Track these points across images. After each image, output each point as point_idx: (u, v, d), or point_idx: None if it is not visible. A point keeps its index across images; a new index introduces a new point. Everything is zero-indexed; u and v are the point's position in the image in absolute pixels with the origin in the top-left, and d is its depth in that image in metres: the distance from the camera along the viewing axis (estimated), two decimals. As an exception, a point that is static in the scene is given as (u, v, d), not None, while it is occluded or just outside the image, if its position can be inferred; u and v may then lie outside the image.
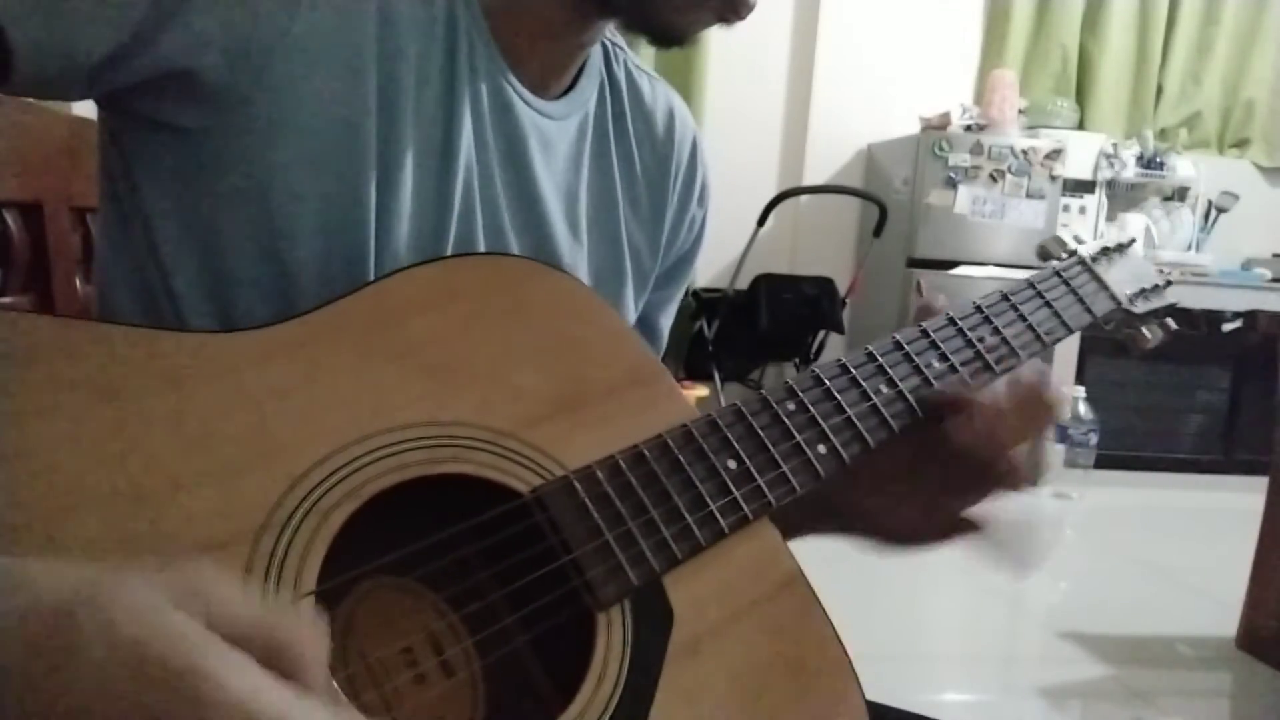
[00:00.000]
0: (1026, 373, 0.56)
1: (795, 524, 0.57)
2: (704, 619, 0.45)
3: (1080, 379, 3.54)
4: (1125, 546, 2.94)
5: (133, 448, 0.37)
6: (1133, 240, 0.69)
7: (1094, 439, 3.39)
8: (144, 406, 0.39)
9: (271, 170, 0.50)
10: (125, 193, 0.53)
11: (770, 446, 0.51)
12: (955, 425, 0.53)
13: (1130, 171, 3.91)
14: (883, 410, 0.54)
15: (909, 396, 0.55)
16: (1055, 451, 3.44)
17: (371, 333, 0.46)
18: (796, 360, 3.45)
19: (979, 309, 0.60)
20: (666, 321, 0.74)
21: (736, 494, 0.49)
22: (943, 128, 3.52)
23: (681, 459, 0.48)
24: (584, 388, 0.49)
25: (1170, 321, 0.69)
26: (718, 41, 3.51)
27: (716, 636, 0.45)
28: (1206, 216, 4.05)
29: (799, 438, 0.52)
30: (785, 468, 0.50)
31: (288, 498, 0.39)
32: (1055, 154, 3.49)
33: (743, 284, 3.32)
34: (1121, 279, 0.66)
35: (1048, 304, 0.62)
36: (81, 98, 0.49)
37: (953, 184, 3.42)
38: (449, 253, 0.55)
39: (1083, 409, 3.39)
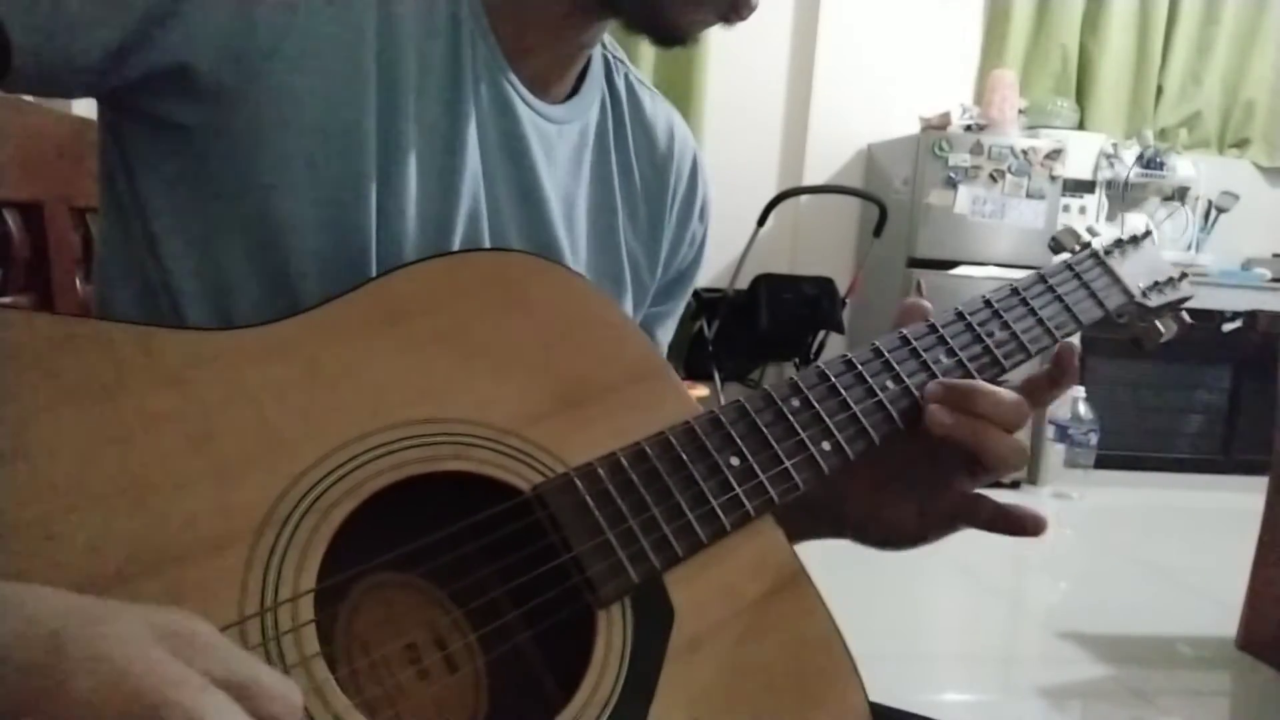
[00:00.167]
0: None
1: (797, 528, 0.57)
2: (705, 617, 0.45)
3: (1080, 379, 3.54)
4: (1125, 546, 2.94)
5: (132, 446, 0.37)
6: (1148, 232, 0.68)
7: (1094, 439, 3.40)
8: (144, 405, 0.39)
9: (271, 169, 0.49)
10: (125, 191, 0.53)
11: (773, 443, 0.50)
12: (931, 419, 0.53)
13: (1130, 171, 3.91)
14: (888, 406, 0.54)
15: (915, 393, 0.55)
16: (1055, 451, 3.44)
17: (373, 330, 0.45)
18: (796, 360, 3.45)
19: (988, 303, 0.59)
20: (665, 336, 0.74)
21: (739, 491, 0.48)
22: (943, 128, 3.52)
23: (683, 456, 0.48)
24: (586, 384, 0.49)
25: (1184, 314, 0.68)
26: (718, 41, 3.51)
27: (718, 635, 0.45)
28: (1206, 216, 4.05)
29: (803, 434, 0.51)
30: (788, 464, 0.50)
31: (288, 495, 0.39)
32: (1055, 154, 3.49)
33: (743, 284, 3.32)
34: (1135, 272, 0.65)
35: (1059, 298, 0.61)
36: (81, 95, 0.49)
37: (953, 184, 3.42)
38: (455, 248, 0.55)
39: (1083, 409, 3.40)
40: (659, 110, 0.69)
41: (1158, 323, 0.66)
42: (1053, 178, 3.49)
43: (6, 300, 0.78)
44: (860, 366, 0.55)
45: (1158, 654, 2.11)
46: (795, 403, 0.52)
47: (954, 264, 3.46)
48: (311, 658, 0.36)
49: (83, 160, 0.87)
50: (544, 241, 0.60)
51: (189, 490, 0.38)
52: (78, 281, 0.88)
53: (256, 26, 0.48)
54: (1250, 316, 3.64)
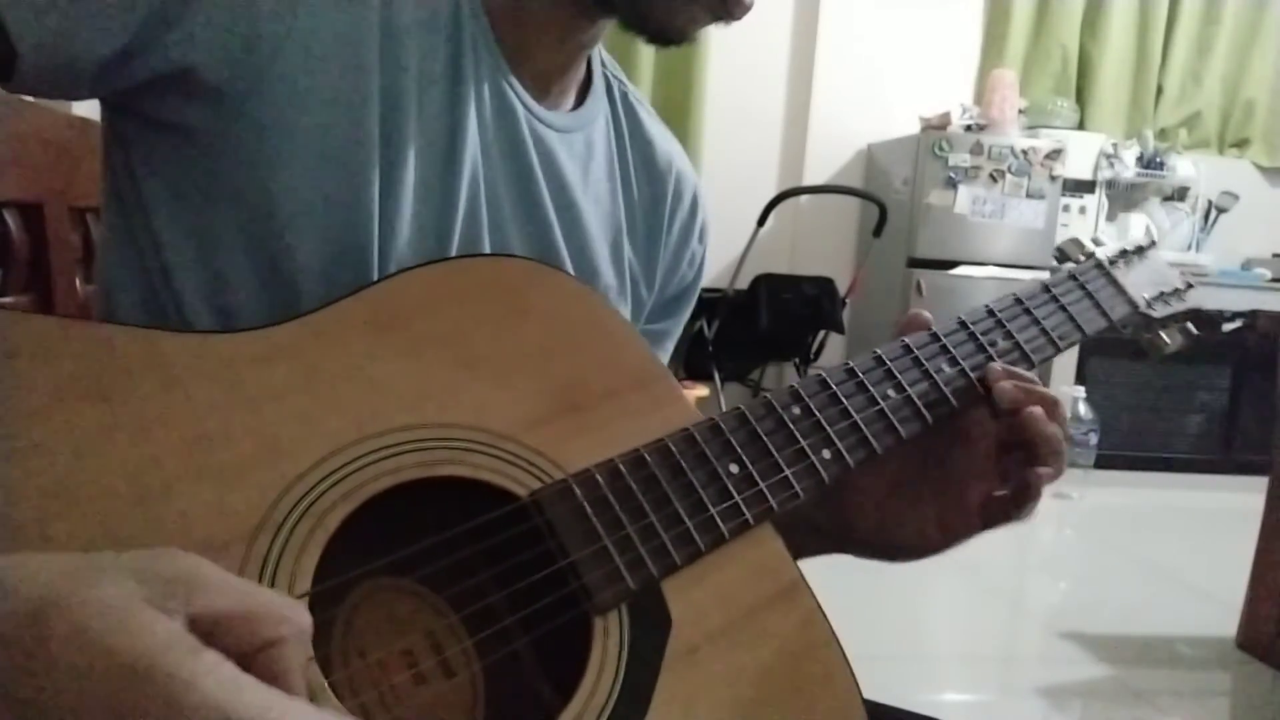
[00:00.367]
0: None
1: (804, 547, 0.57)
2: (703, 625, 0.45)
3: (1080, 379, 3.55)
4: (1125, 546, 2.94)
5: (129, 448, 0.37)
6: (1153, 242, 0.68)
7: (1094, 439, 3.39)
8: (141, 407, 0.38)
9: (273, 170, 0.50)
10: (128, 192, 0.53)
11: (773, 451, 0.50)
12: (1007, 386, 0.53)
13: (1130, 171, 3.91)
14: (890, 415, 0.54)
15: (917, 401, 0.55)
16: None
17: (371, 334, 0.45)
18: (796, 360, 3.45)
19: (991, 313, 0.59)
20: (664, 355, 0.74)
21: (738, 499, 0.48)
22: (943, 128, 3.52)
23: (682, 463, 0.48)
24: (585, 390, 0.49)
25: (1191, 326, 0.67)
26: (718, 41, 3.51)
27: (716, 643, 0.45)
28: (1206, 216, 4.05)
29: (803, 442, 0.51)
30: (788, 472, 0.50)
31: (284, 499, 0.39)
32: (1055, 154, 3.49)
33: (743, 284, 3.32)
34: (1140, 282, 0.65)
35: (1062, 308, 0.61)
36: (86, 97, 0.49)
37: (953, 184, 3.42)
38: (454, 253, 0.55)
39: (1083, 409, 3.39)
40: (656, 130, 0.69)
41: (1163, 334, 0.66)
42: (1053, 178, 3.49)
43: (7, 300, 0.78)
44: (862, 375, 0.54)
45: (1158, 654, 2.11)
46: (796, 410, 0.52)
47: (954, 264, 3.46)
48: (305, 662, 0.36)
49: (83, 160, 0.87)
50: (545, 244, 0.60)
51: (184, 493, 0.37)
52: (78, 281, 0.88)
53: (260, 29, 0.48)
54: (1250, 316, 3.64)
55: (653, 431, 0.49)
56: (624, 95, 0.67)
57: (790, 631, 0.47)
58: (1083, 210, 3.89)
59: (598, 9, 0.56)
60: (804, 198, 3.67)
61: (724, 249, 3.33)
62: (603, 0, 0.55)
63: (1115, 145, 3.91)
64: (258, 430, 0.40)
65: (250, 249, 0.51)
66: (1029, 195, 3.48)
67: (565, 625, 0.43)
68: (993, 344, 0.58)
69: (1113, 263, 0.65)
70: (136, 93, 0.48)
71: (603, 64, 0.66)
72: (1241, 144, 4.19)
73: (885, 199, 3.29)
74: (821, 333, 3.40)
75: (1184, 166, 3.98)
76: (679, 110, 3.58)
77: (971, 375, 0.56)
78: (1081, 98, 4.02)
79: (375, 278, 0.51)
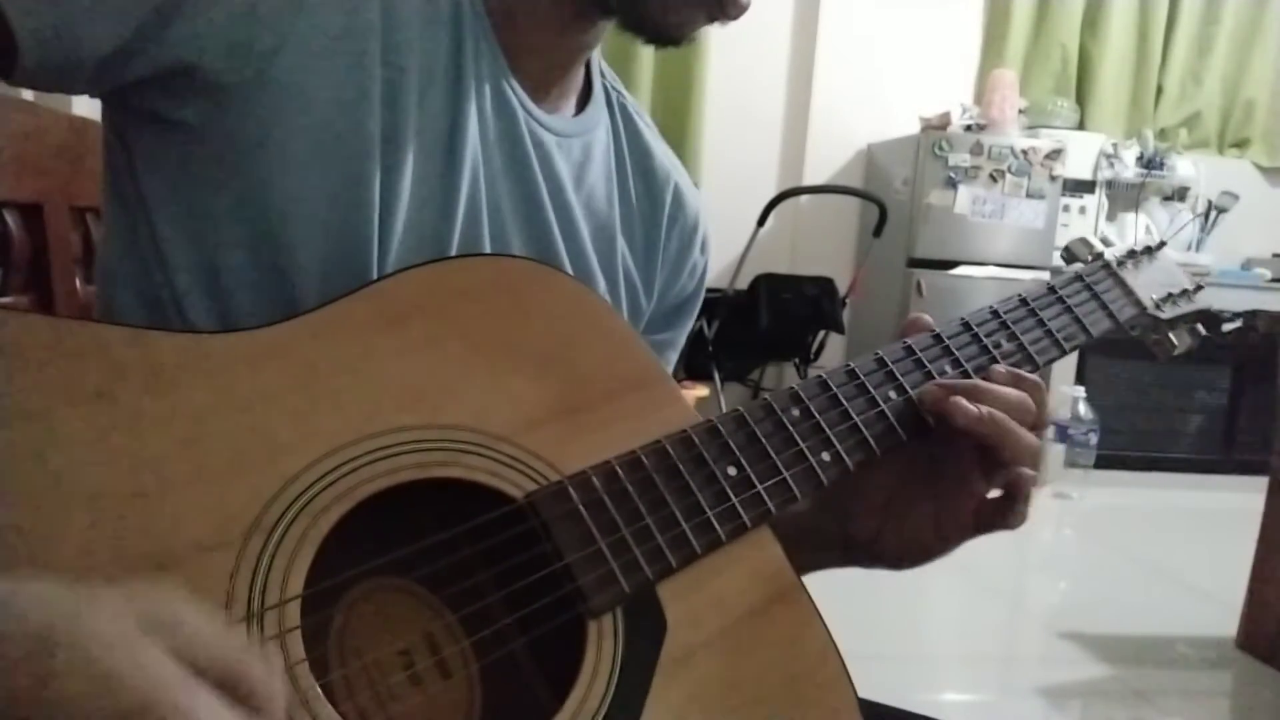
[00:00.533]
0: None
1: (806, 560, 0.56)
2: (699, 629, 0.45)
3: (1080, 379, 3.54)
4: (1125, 546, 2.94)
5: (124, 448, 0.37)
6: (1163, 243, 0.67)
7: (1094, 439, 3.39)
8: (137, 407, 0.38)
9: (273, 169, 0.50)
10: (129, 190, 0.53)
11: (772, 453, 0.50)
12: (952, 410, 0.51)
13: (1130, 171, 3.91)
14: (890, 417, 0.53)
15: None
16: (1055, 452, 3.44)
17: (368, 334, 0.45)
18: (796, 360, 3.45)
19: (995, 314, 0.58)
20: (668, 367, 0.73)
21: (735, 501, 0.48)
22: (943, 128, 3.52)
23: (679, 465, 0.48)
24: (584, 392, 0.49)
25: (1200, 328, 0.67)
26: (718, 42, 3.51)
27: (711, 647, 0.44)
28: (1206, 216, 4.04)
29: (802, 445, 0.51)
30: (786, 475, 0.50)
31: (278, 500, 0.39)
32: (1055, 154, 3.49)
33: (743, 284, 3.32)
34: (1148, 283, 0.64)
35: (1068, 309, 0.60)
36: (86, 93, 0.49)
37: (953, 184, 3.42)
38: (454, 253, 0.55)
39: (1083, 409, 3.39)
40: (655, 141, 0.69)
41: (1171, 335, 0.66)
42: (1053, 178, 3.49)
43: (7, 300, 0.78)
44: (863, 376, 0.54)
45: (1158, 654, 2.11)
46: (795, 412, 0.52)
47: (954, 264, 3.46)
48: (296, 664, 0.36)
49: (83, 160, 0.87)
50: (544, 245, 0.60)
51: (178, 493, 0.37)
52: (78, 281, 0.88)
53: (261, 26, 0.48)
54: (1250, 316, 3.64)
55: (651, 433, 0.48)
56: (623, 107, 0.67)
57: (787, 636, 0.46)
58: (1083, 210, 3.89)
59: (596, 9, 0.56)
60: (804, 198, 3.67)
61: (724, 249, 3.33)
62: (601, 0, 0.55)
63: (1115, 145, 3.91)
64: (253, 431, 0.40)
65: (250, 247, 0.51)
66: (1029, 195, 3.48)
67: (561, 627, 0.43)
68: (996, 345, 0.57)
69: (1121, 263, 0.64)
70: (137, 89, 0.48)
71: (602, 74, 0.66)
72: (1241, 144, 4.19)
73: (885, 199, 3.29)
74: (821, 333, 3.39)
75: (1184, 166, 3.97)
76: (679, 110, 3.58)
77: (975, 378, 0.55)
78: (1081, 98, 4.02)
79: (374, 276, 0.51)
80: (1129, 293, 0.64)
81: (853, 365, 0.54)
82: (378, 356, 0.45)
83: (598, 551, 0.44)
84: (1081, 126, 3.97)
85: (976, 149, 3.43)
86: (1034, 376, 0.55)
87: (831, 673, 0.46)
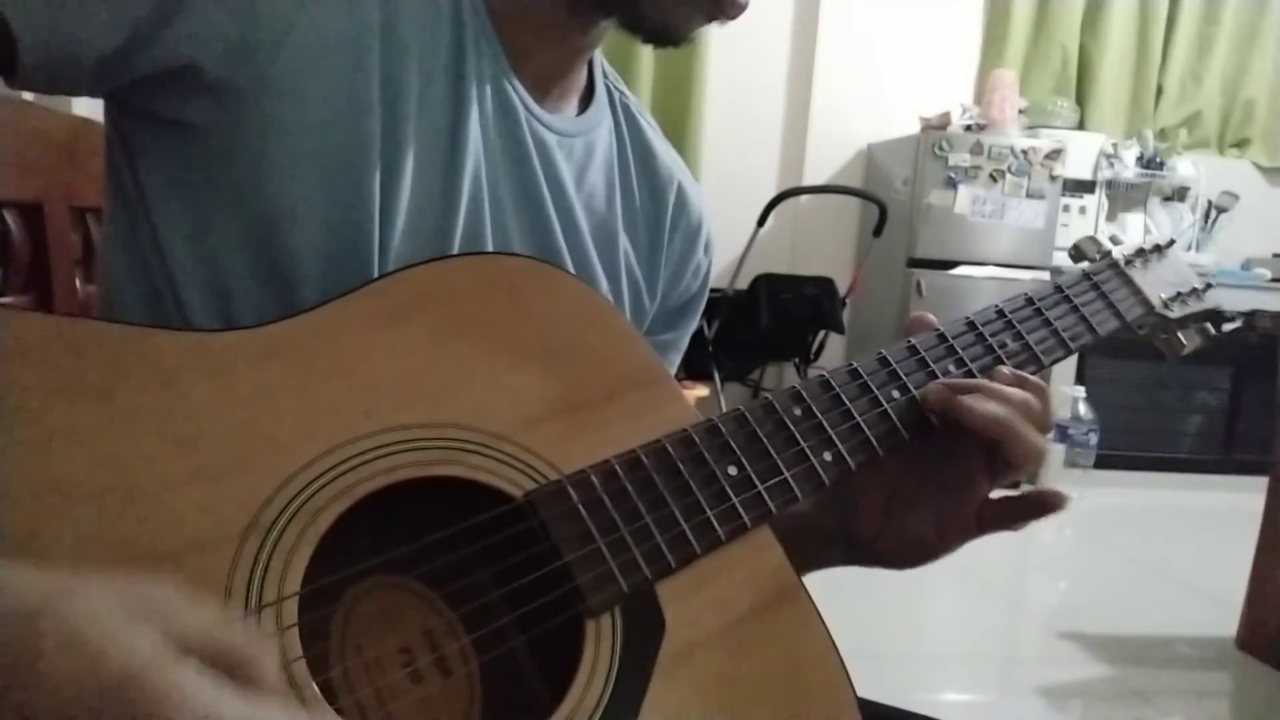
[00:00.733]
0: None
1: (809, 558, 0.56)
2: (698, 629, 0.45)
3: (1080, 379, 3.54)
4: (1125, 546, 2.94)
5: (124, 446, 0.37)
6: (1172, 241, 0.66)
7: (1094, 439, 3.40)
8: (136, 405, 0.38)
9: (273, 168, 0.50)
10: (131, 189, 0.53)
11: (773, 453, 0.50)
12: (960, 409, 0.51)
13: (1130, 171, 3.91)
14: (894, 417, 0.53)
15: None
16: (1055, 451, 3.44)
17: (369, 333, 0.45)
18: (796, 360, 3.45)
19: (1001, 313, 0.58)
20: (671, 368, 0.73)
21: (735, 501, 0.48)
22: (943, 128, 3.52)
23: (679, 465, 0.48)
24: (584, 390, 0.49)
25: (1209, 326, 0.66)
26: (718, 41, 3.51)
27: (710, 646, 0.44)
28: (1206, 216, 4.04)
29: (803, 444, 0.51)
30: (788, 475, 0.49)
31: (276, 498, 0.39)
32: (1055, 154, 3.49)
33: (743, 284, 3.32)
34: (1156, 282, 0.64)
35: (1075, 308, 0.60)
36: (88, 94, 0.49)
37: (953, 184, 3.42)
38: (455, 250, 0.55)
39: (1083, 409, 3.39)
40: (657, 141, 0.69)
41: (1180, 334, 0.65)
42: (1053, 178, 3.49)
43: (7, 300, 0.78)
44: (866, 376, 0.54)
45: (1158, 654, 2.11)
46: (797, 412, 0.51)
47: (954, 264, 3.46)
48: (293, 661, 0.36)
49: (83, 160, 0.87)
50: (546, 245, 0.60)
51: (177, 491, 0.37)
52: (78, 281, 0.88)
53: (260, 26, 0.48)
54: (1250, 316, 3.64)
55: (651, 432, 0.48)
56: (625, 107, 0.67)
57: (786, 636, 0.46)
58: (1083, 210, 3.89)
59: (595, 9, 0.56)
60: (804, 198, 3.67)
61: (724, 249, 3.33)
62: (599, 1, 0.55)
63: (1115, 145, 3.91)
64: (252, 429, 0.40)
65: (250, 246, 0.51)
66: (1029, 195, 3.48)
67: (560, 626, 0.43)
68: (1002, 345, 0.57)
69: (1129, 262, 0.64)
70: (138, 89, 0.48)
71: (605, 74, 0.66)
72: (1241, 144, 4.19)
73: (885, 199, 3.29)
74: (821, 333, 3.39)
75: (1184, 166, 3.98)
76: (679, 111, 3.58)
77: (980, 378, 0.55)
78: (1081, 98, 4.02)
79: (375, 275, 0.51)
80: (1137, 292, 0.63)
81: (855, 365, 0.54)
82: (378, 355, 0.45)
83: (596, 551, 0.44)
84: (1081, 126, 3.97)
85: (976, 149, 3.43)
86: (1038, 379, 0.54)
87: (831, 672, 0.46)
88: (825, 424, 0.52)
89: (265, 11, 0.48)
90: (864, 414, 0.53)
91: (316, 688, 0.36)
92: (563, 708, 0.40)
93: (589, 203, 0.63)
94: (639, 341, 0.54)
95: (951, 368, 0.55)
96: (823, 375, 0.53)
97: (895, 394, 0.54)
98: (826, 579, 0.58)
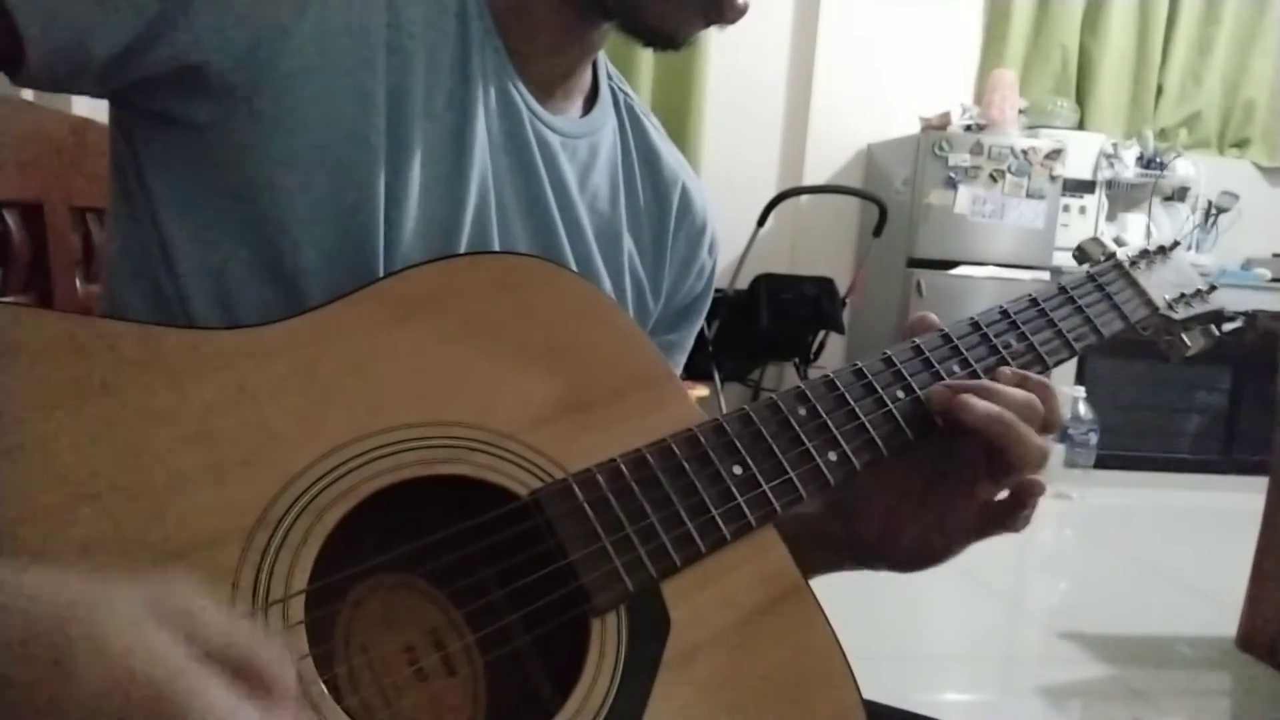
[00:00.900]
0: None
1: (816, 561, 0.56)
2: (703, 627, 0.45)
3: (1080, 379, 3.54)
4: (1125, 546, 2.94)
5: (130, 444, 0.37)
6: (1176, 243, 0.66)
7: (1094, 439, 3.39)
8: (143, 403, 0.39)
9: (277, 167, 0.50)
10: (134, 188, 0.53)
11: (778, 453, 0.50)
12: (960, 408, 0.51)
13: (1130, 171, 3.91)
14: (898, 417, 0.53)
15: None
16: (1055, 451, 3.44)
17: (375, 331, 0.45)
18: (796, 360, 3.45)
19: (1005, 314, 0.58)
20: (676, 369, 0.73)
21: (740, 500, 0.48)
22: (943, 128, 3.52)
23: (684, 464, 0.48)
24: (589, 390, 0.49)
25: (1214, 328, 0.66)
26: (718, 42, 3.51)
27: (715, 645, 0.44)
28: (1206, 216, 4.04)
29: (808, 444, 0.51)
30: (792, 475, 0.50)
31: (283, 496, 0.39)
32: (1055, 154, 3.49)
33: (743, 284, 3.32)
34: (1160, 283, 0.64)
35: (1079, 309, 0.60)
36: (92, 93, 0.49)
37: (953, 184, 3.42)
38: (462, 251, 0.55)
39: (1083, 409, 3.39)
40: (662, 142, 0.69)
41: (1184, 336, 0.65)
42: (1053, 178, 3.49)
43: (7, 300, 0.78)
44: (870, 376, 0.54)
45: (1158, 654, 2.11)
46: (802, 412, 0.51)
47: (954, 264, 3.46)
48: (301, 659, 0.36)
49: (83, 160, 0.87)
50: (549, 246, 0.60)
51: (184, 489, 0.38)
52: (78, 281, 0.88)
53: (266, 25, 0.48)
54: (1250, 316, 3.64)
55: (656, 432, 0.48)
56: (630, 108, 0.67)
57: (791, 635, 0.46)
58: (1083, 210, 3.89)
59: (595, 12, 0.56)
60: (804, 198, 3.67)
61: (724, 249, 3.29)
62: (599, 3, 0.55)
63: (1115, 145, 3.91)
64: (258, 427, 0.40)
65: (254, 246, 0.51)
66: (1029, 195, 3.48)
67: (566, 625, 0.43)
68: (1006, 346, 0.57)
69: (1133, 263, 0.64)
70: (143, 88, 0.48)
71: (609, 76, 0.66)
72: (1241, 144, 4.19)
73: (885, 199, 3.29)
74: (821, 333, 3.39)
75: (1184, 166, 3.98)
76: (679, 110, 3.58)
77: (984, 378, 0.55)
78: (1081, 98, 4.02)
79: (381, 274, 0.51)
80: (1141, 293, 0.63)
81: (860, 365, 0.54)
82: (383, 353, 0.45)
83: (601, 549, 0.44)
84: (1081, 126, 3.97)
85: (976, 149, 3.43)
86: (1042, 377, 0.54)
87: (836, 672, 0.46)
88: (830, 424, 0.52)
89: (271, 11, 0.48)
90: (869, 414, 0.53)
91: (323, 685, 0.36)
92: (568, 706, 0.40)
93: (593, 204, 0.63)
94: (644, 341, 0.54)
95: (956, 368, 0.55)
96: (827, 375, 0.53)
97: (900, 394, 0.54)
98: (827, 579, 0.58)
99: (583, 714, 0.40)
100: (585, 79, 0.63)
